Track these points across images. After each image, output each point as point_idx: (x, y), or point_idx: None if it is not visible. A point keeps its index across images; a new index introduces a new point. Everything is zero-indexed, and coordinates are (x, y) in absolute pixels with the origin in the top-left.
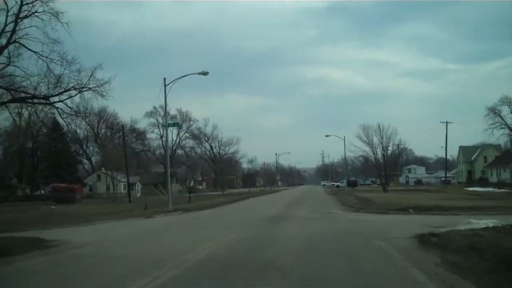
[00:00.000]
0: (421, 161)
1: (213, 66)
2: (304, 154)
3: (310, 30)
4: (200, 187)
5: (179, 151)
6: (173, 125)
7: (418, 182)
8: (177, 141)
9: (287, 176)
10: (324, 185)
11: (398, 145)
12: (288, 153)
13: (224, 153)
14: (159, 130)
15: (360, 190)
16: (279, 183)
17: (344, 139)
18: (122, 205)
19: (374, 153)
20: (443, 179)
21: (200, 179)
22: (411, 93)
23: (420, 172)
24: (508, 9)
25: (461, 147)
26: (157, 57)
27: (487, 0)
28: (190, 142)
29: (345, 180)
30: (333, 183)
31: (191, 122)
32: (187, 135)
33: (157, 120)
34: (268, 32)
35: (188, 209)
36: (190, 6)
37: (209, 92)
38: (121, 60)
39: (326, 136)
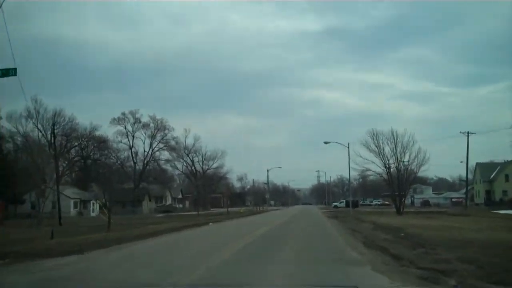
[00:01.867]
0: (421, 181)
1: (208, 87)
2: (299, 175)
3: (305, 53)
4: (180, 205)
5: (152, 164)
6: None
7: (425, 203)
8: (150, 152)
9: (280, 196)
10: (335, 206)
11: (416, 155)
12: (279, 167)
13: (207, 168)
14: (128, 139)
15: (366, 212)
16: (272, 202)
17: (348, 147)
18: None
19: (386, 166)
20: (454, 200)
21: (180, 197)
22: (406, 115)
23: (427, 192)
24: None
25: (478, 164)
26: (150, 78)
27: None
28: (165, 155)
29: (343, 200)
30: (335, 204)
31: (166, 131)
32: (161, 145)
33: (126, 128)
34: (263, 53)
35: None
36: (186, 27)
37: (203, 112)
38: (114, 80)
39: (325, 143)
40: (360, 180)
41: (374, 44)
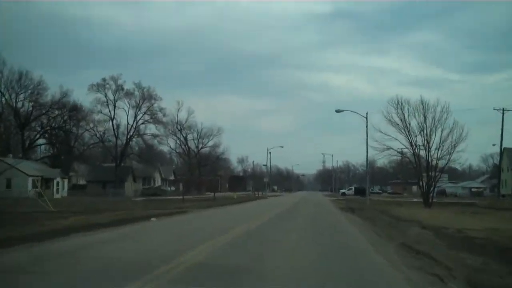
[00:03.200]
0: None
1: (213, 67)
2: (304, 159)
3: (312, 35)
4: (171, 188)
5: (137, 140)
6: None
7: (441, 192)
8: (134, 125)
9: (283, 181)
10: (343, 193)
11: (451, 130)
12: (281, 147)
13: (201, 146)
14: (108, 109)
15: (382, 202)
16: (275, 188)
17: (367, 117)
18: None
19: (412, 144)
20: (473, 190)
21: (172, 178)
22: (414, 100)
23: (441, 180)
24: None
25: (506, 150)
26: (156, 57)
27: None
28: (152, 128)
29: (352, 187)
30: (343, 191)
31: (153, 101)
32: (147, 118)
33: (106, 96)
34: (269, 35)
35: None
36: (192, 7)
37: (208, 93)
38: (119, 59)
39: (338, 111)
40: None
41: (382, 27)
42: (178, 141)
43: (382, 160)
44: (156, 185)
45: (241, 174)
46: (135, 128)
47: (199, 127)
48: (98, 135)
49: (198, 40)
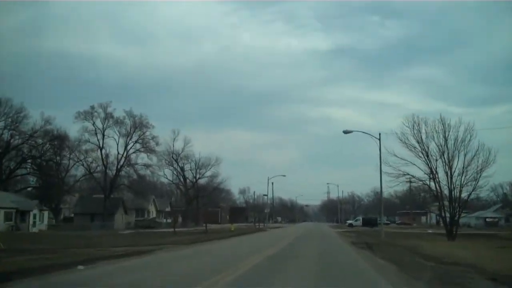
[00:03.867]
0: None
1: (218, 104)
2: (308, 191)
3: (315, 71)
4: (167, 220)
5: (126, 170)
6: None
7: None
8: (124, 154)
9: (287, 212)
10: (350, 224)
11: (475, 153)
12: (283, 175)
13: (199, 176)
14: (97, 138)
15: (397, 235)
16: (278, 219)
17: (380, 138)
18: None
19: (432, 170)
20: (488, 220)
21: (168, 209)
22: (433, 120)
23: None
24: None
25: None
26: (161, 94)
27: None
28: (144, 158)
29: (360, 218)
30: (350, 222)
31: (144, 129)
32: (138, 146)
33: (94, 125)
34: (273, 71)
35: None
36: (197, 45)
37: (212, 129)
38: (125, 97)
39: (346, 132)
40: (373, 196)
41: (384, 63)
42: (175, 172)
43: (397, 187)
44: (151, 217)
45: (244, 205)
46: (125, 158)
47: (197, 157)
48: (85, 165)
49: (203, 78)
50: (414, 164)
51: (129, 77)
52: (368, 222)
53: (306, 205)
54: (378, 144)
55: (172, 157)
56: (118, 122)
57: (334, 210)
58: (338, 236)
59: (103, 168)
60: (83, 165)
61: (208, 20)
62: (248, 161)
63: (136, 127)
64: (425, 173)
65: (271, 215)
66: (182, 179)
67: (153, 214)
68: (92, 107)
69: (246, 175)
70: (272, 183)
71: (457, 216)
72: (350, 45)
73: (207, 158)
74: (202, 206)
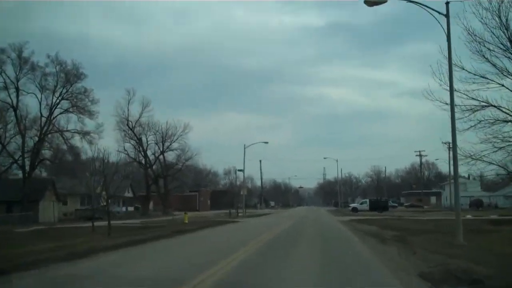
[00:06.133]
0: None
1: (210, 82)
2: (303, 173)
3: (309, 49)
4: (124, 208)
5: (50, 139)
6: None
7: (477, 203)
8: (50, 117)
9: (280, 196)
10: (354, 209)
11: None
12: (266, 142)
13: (161, 150)
14: (8, 94)
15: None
16: (272, 203)
17: (448, 11)
18: None
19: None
20: None
21: (129, 195)
22: (411, 113)
23: (473, 188)
24: None
25: None
26: (154, 73)
27: None
28: (69, 121)
29: (366, 200)
30: (354, 205)
31: (75, 78)
32: (66, 104)
33: (3, 74)
34: (266, 49)
35: None
36: (189, 23)
37: (205, 109)
38: (118, 76)
39: (371, 3)
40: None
41: (378, 39)
42: (131, 144)
43: (470, 134)
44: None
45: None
46: (50, 121)
47: (163, 127)
48: None
49: (194, 55)
50: (503, 86)
51: (121, 57)
52: (377, 206)
53: (300, 187)
54: (446, 20)
55: (128, 125)
56: (36, 69)
57: (331, 193)
58: (343, 227)
59: (21, 137)
60: None
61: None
62: (241, 142)
63: (68, 79)
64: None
65: (262, 199)
66: (142, 154)
67: (101, 200)
68: (2, 50)
69: (239, 157)
70: (260, 161)
71: None
72: (343, 21)
73: (173, 127)
74: (173, 189)
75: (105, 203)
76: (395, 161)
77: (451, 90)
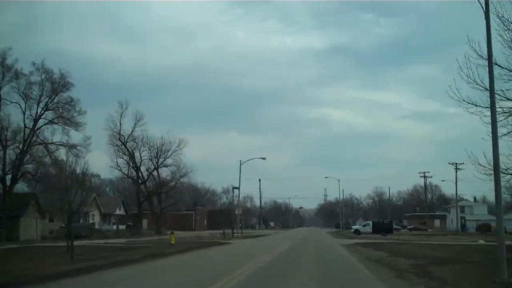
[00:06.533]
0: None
1: (211, 103)
2: (304, 194)
3: (310, 70)
4: (115, 227)
5: (34, 153)
6: None
7: (484, 227)
8: (35, 128)
9: (280, 216)
10: (356, 231)
11: None
12: (263, 158)
13: (156, 165)
14: None
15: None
16: (271, 224)
17: None
18: None
19: None
20: None
21: (120, 212)
22: (412, 135)
23: (480, 211)
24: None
25: None
26: (156, 93)
27: None
28: (54, 133)
29: (369, 222)
30: (356, 227)
31: (62, 88)
32: (51, 115)
33: None
34: (268, 71)
35: None
36: (191, 43)
37: (206, 129)
38: (120, 96)
39: None
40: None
41: (379, 62)
42: (124, 159)
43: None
44: (91, 222)
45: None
46: (34, 132)
47: (158, 142)
48: None
49: (195, 76)
50: None
51: (123, 77)
52: (380, 228)
53: (301, 207)
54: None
55: (120, 139)
56: (20, 77)
57: (332, 214)
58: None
59: (2, 148)
60: None
61: (202, 18)
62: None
63: (55, 89)
64: None
65: (261, 220)
66: (134, 169)
67: (95, 218)
68: None
69: (237, 178)
70: (260, 180)
71: None
72: (345, 44)
73: (168, 142)
74: (168, 207)
75: (92, 221)
76: (397, 182)
77: (491, 83)
